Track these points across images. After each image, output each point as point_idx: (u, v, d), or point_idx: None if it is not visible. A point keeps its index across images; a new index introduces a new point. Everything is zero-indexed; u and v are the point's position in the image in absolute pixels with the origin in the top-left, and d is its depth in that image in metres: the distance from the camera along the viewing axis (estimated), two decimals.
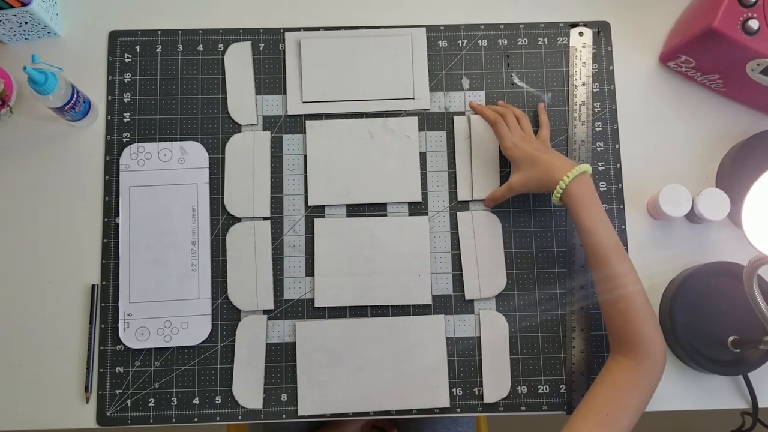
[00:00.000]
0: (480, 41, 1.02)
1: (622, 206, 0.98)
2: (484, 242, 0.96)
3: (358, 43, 1.01)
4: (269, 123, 1.00)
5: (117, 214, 0.96)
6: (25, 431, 0.93)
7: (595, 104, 1.01)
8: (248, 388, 0.93)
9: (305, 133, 0.99)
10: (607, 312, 0.84)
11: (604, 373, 0.82)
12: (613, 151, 1.00)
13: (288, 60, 1.01)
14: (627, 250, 0.97)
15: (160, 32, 1.02)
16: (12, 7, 0.92)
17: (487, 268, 0.96)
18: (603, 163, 0.99)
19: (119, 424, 0.92)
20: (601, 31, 1.03)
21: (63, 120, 0.96)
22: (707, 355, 0.92)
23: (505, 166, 0.98)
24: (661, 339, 0.82)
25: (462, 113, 1.00)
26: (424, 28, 1.02)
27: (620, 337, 0.82)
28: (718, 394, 0.94)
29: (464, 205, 0.98)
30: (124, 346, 0.94)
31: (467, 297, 0.95)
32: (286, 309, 0.95)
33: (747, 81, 0.93)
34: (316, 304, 0.95)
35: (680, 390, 0.94)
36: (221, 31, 1.02)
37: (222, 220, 0.97)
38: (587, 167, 0.87)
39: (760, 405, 0.93)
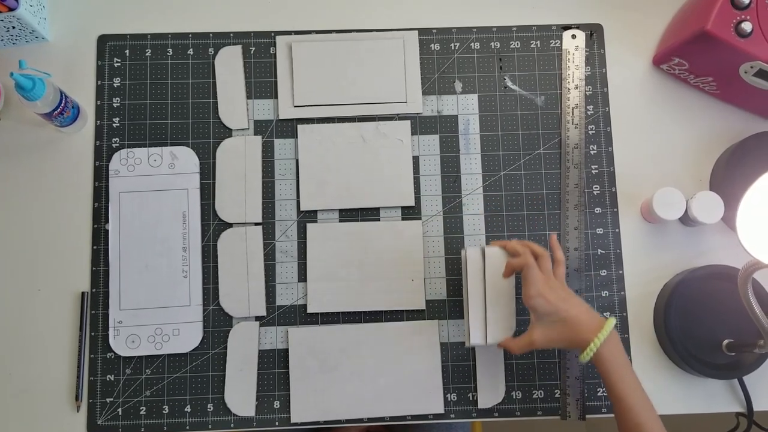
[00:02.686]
0: (472, 44, 1.02)
1: (615, 209, 0.98)
2: (494, 282, 0.89)
3: (350, 47, 1.01)
4: (260, 127, 0.99)
5: (107, 221, 0.95)
6: None
7: (588, 107, 1.00)
8: (241, 395, 0.92)
9: (297, 137, 0.98)
10: None
11: None
12: (607, 154, 0.99)
13: (279, 64, 1.00)
14: (621, 254, 0.97)
15: (149, 36, 1.01)
16: None
17: (495, 312, 0.88)
18: (596, 166, 0.99)
19: None
20: (594, 33, 1.02)
21: (51, 125, 0.95)
22: (702, 359, 0.91)
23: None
24: None
25: (455, 116, 0.99)
26: (417, 31, 1.02)
27: None
28: (712, 397, 0.94)
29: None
30: (115, 353, 0.93)
31: (472, 342, 0.88)
32: (278, 315, 0.95)
33: (740, 83, 0.93)
34: (309, 310, 0.94)
35: (675, 394, 0.94)
36: (211, 35, 1.01)
37: (213, 226, 0.96)
38: (614, 321, 0.81)
39: (755, 408, 0.92)
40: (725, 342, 0.91)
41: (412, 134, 0.99)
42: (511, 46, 1.02)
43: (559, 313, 0.81)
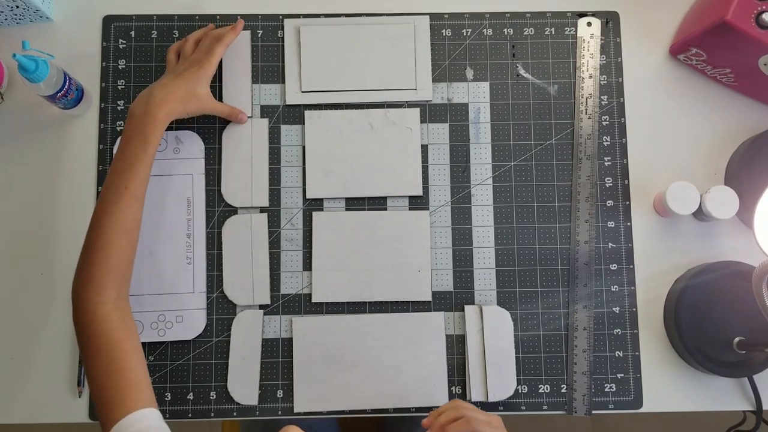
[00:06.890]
0: (485, 30, 0.99)
1: (627, 203, 0.96)
2: (493, 341, 0.92)
3: (360, 31, 0.98)
4: (267, 113, 0.97)
5: None
6: (16, 425, 0.91)
7: (602, 97, 0.98)
8: (243, 384, 0.91)
9: (304, 123, 0.96)
10: None
11: None
12: (620, 145, 0.97)
13: (287, 48, 0.98)
14: (632, 248, 0.95)
15: (155, 17, 0.99)
16: None
17: (495, 370, 0.91)
18: (609, 158, 0.97)
19: None
20: (610, 21, 1.00)
21: (55, 107, 0.93)
22: (712, 356, 0.90)
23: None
24: None
25: (465, 104, 0.97)
26: (428, 16, 0.99)
27: None
28: (721, 395, 0.93)
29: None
30: None
31: (473, 400, 0.91)
32: (282, 304, 0.93)
33: (759, 75, 0.90)
34: (314, 300, 0.93)
35: (683, 391, 0.93)
36: (218, 17, 0.99)
37: (218, 212, 0.95)
38: None
39: (765, 407, 0.91)
40: (736, 340, 0.90)
41: (421, 122, 0.97)
42: (525, 33, 0.99)
43: None
